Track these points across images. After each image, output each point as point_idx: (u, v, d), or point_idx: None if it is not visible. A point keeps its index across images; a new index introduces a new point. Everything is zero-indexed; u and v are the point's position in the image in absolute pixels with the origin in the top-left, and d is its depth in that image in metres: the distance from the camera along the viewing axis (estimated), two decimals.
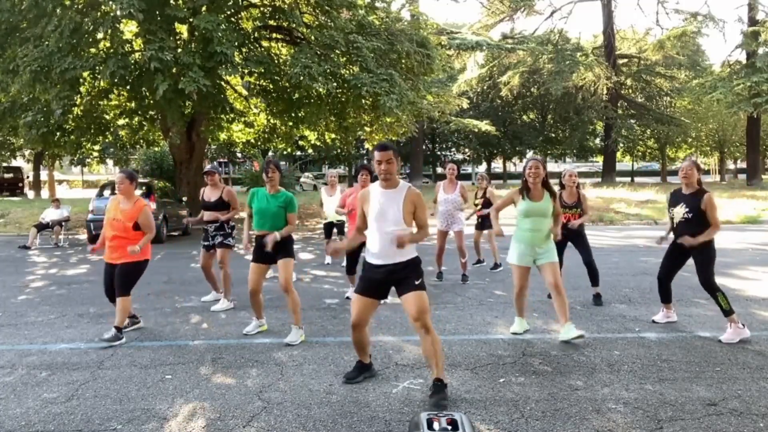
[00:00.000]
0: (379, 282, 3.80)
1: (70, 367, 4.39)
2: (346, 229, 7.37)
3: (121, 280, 5.11)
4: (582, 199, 6.35)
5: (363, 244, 3.97)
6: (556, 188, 5.39)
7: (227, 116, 16.44)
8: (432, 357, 3.68)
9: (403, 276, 3.73)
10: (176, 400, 3.71)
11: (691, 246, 4.95)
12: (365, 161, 50.84)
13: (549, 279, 4.91)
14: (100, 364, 4.45)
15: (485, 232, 9.01)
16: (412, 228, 3.76)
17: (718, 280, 5.06)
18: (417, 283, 3.71)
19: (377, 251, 3.75)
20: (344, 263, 9.14)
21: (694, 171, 4.98)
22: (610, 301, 6.49)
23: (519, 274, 5.03)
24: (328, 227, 9.22)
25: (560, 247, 6.00)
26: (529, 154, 42.82)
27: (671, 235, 5.28)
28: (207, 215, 6.50)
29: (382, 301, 6.34)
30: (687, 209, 4.96)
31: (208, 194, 6.57)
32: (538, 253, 4.95)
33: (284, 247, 5.02)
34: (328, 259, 9.52)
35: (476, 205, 9.00)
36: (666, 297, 5.47)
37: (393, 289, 3.91)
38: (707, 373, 4.10)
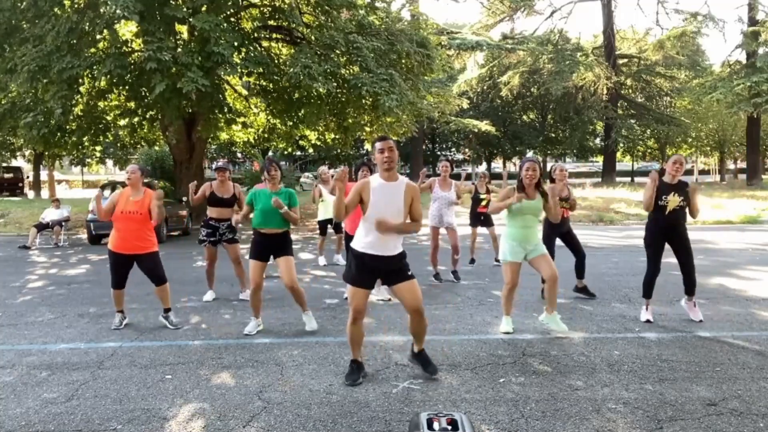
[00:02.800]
0: (372, 272, 3.93)
1: (70, 367, 4.39)
2: (343, 226, 7.44)
3: (156, 266, 5.47)
4: (570, 192, 6.65)
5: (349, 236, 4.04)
6: (547, 185, 5.54)
7: (225, 117, 16.45)
8: (420, 334, 4.06)
9: (397, 267, 3.91)
10: (176, 400, 3.71)
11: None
12: (365, 160, 50.94)
13: (547, 271, 5.05)
14: (100, 364, 4.45)
15: (486, 229, 9.18)
16: (407, 220, 3.93)
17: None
18: (410, 273, 3.93)
19: (374, 242, 3.85)
20: (343, 261, 9.32)
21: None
22: (610, 301, 6.49)
23: (512, 270, 5.10)
24: (324, 225, 9.41)
25: (549, 243, 6.18)
26: (529, 154, 42.83)
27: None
28: (216, 211, 6.66)
29: (389, 299, 6.41)
30: (681, 198, 5.28)
31: (220, 190, 6.66)
32: (528, 250, 5.07)
33: (285, 246, 5.24)
34: (322, 261, 9.53)
35: (482, 199, 9.02)
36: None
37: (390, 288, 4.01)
38: (707, 373, 4.10)
